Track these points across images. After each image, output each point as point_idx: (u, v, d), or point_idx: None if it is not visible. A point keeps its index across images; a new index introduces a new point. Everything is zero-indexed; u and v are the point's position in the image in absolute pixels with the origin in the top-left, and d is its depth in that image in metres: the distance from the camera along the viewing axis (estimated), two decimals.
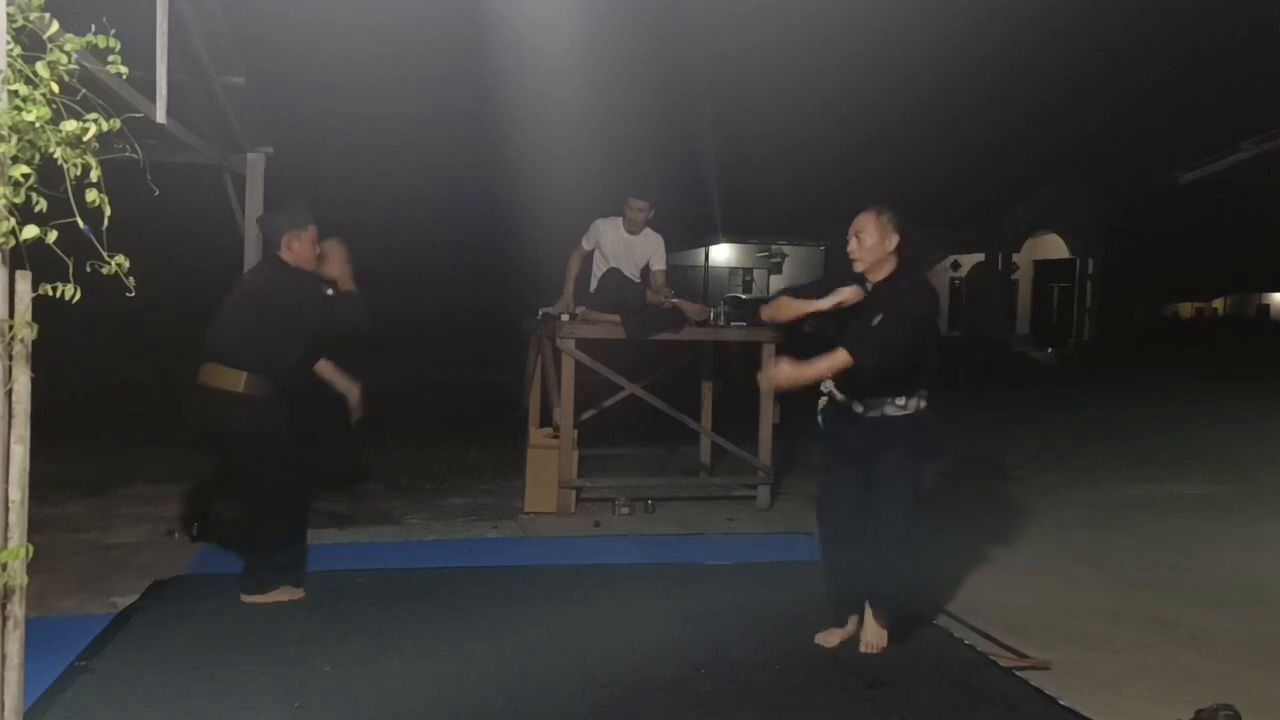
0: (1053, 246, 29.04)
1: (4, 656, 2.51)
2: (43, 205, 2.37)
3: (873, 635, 3.92)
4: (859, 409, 3.85)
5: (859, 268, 3.87)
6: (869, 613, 3.94)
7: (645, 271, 6.77)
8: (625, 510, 6.39)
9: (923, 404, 3.83)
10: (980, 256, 28.06)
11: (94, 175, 2.40)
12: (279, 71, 7.31)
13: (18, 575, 2.49)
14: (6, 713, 2.53)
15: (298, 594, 4.39)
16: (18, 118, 2.28)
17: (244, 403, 4.20)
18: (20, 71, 2.31)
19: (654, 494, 6.61)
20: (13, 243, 2.34)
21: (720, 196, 23.89)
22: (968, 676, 3.68)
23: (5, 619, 2.50)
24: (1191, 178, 9.51)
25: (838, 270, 4.01)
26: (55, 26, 2.38)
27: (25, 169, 2.31)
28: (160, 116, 3.67)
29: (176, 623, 4.04)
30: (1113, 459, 9.07)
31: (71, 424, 8.40)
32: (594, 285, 6.66)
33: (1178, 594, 4.87)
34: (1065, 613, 4.53)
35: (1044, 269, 29.67)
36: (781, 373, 3.83)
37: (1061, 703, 3.44)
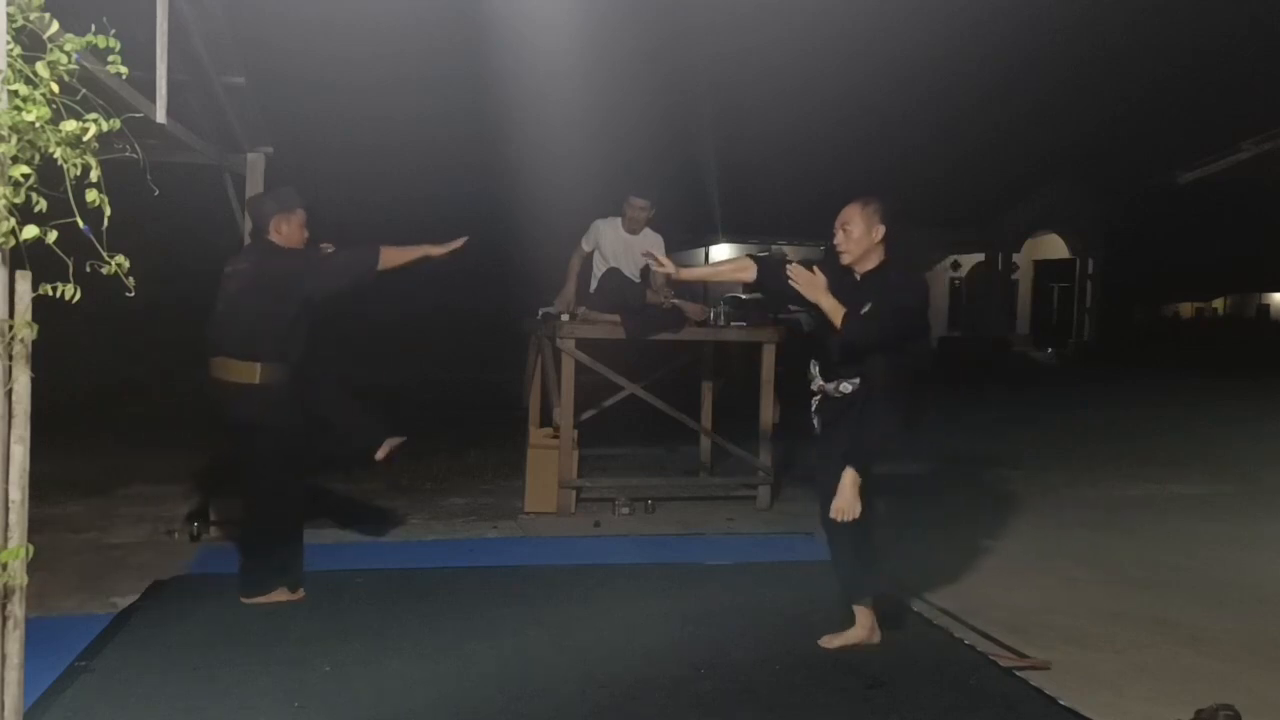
0: (1053, 246, 29.07)
1: (4, 656, 2.51)
2: (43, 205, 2.37)
3: (856, 626, 3.93)
4: (838, 392, 3.86)
5: (846, 259, 3.88)
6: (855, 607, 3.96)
7: (645, 271, 6.77)
8: (625, 510, 6.39)
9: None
10: (980, 256, 28.08)
11: (94, 175, 2.40)
12: (279, 71, 7.31)
13: (18, 575, 2.49)
14: (6, 713, 2.53)
15: (297, 595, 4.39)
16: (18, 118, 2.28)
17: (258, 393, 4.18)
18: (20, 71, 2.31)
19: (654, 494, 6.61)
20: (13, 243, 2.35)
21: (720, 196, 23.90)
22: (968, 676, 3.68)
23: (5, 619, 2.50)
24: (1191, 178, 9.52)
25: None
26: (55, 26, 2.38)
27: (25, 169, 2.31)
28: (160, 116, 3.67)
29: (176, 623, 4.04)
30: (1113, 459, 9.07)
31: (71, 424, 8.40)
32: (594, 285, 6.66)
33: (1178, 594, 4.87)
34: (1065, 613, 4.53)
35: (1044, 269, 29.70)
36: (800, 273, 3.83)
37: (1061, 703, 3.43)
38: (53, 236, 2.34)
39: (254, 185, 5.67)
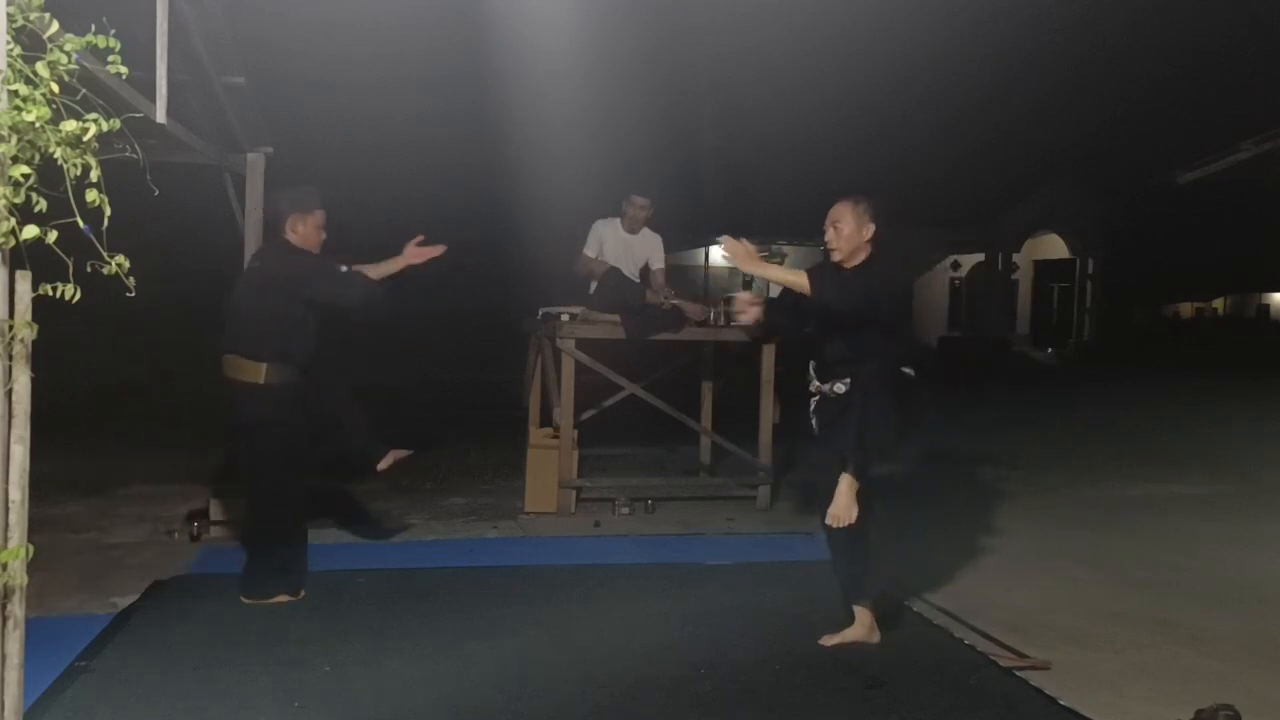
0: (1053, 246, 29.04)
1: (4, 656, 2.51)
2: (43, 205, 2.37)
3: (856, 625, 3.95)
4: (834, 393, 3.89)
5: (837, 257, 3.96)
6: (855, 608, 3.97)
7: (644, 271, 6.77)
8: (625, 510, 6.39)
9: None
10: (980, 256, 28.05)
11: (94, 175, 2.40)
12: (279, 71, 7.31)
13: (18, 575, 2.49)
14: (6, 713, 2.53)
15: (298, 595, 4.39)
16: (18, 118, 2.28)
17: (263, 393, 4.18)
18: (20, 71, 2.31)
19: (654, 494, 6.61)
20: (13, 243, 2.35)
21: (720, 196, 23.89)
22: (968, 676, 3.68)
23: (5, 619, 2.50)
24: (1191, 178, 9.53)
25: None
26: (55, 26, 2.38)
27: (25, 169, 2.31)
28: (160, 116, 3.67)
29: (176, 623, 4.04)
30: (1113, 459, 9.07)
31: (71, 424, 8.41)
32: (593, 286, 6.66)
33: (1178, 594, 4.87)
34: (1065, 613, 4.53)
35: (1044, 269, 29.68)
36: (732, 245, 3.84)
37: (1061, 703, 3.44)
38: (53, 236, 2.34)
39: (254, 185, 5.67)
